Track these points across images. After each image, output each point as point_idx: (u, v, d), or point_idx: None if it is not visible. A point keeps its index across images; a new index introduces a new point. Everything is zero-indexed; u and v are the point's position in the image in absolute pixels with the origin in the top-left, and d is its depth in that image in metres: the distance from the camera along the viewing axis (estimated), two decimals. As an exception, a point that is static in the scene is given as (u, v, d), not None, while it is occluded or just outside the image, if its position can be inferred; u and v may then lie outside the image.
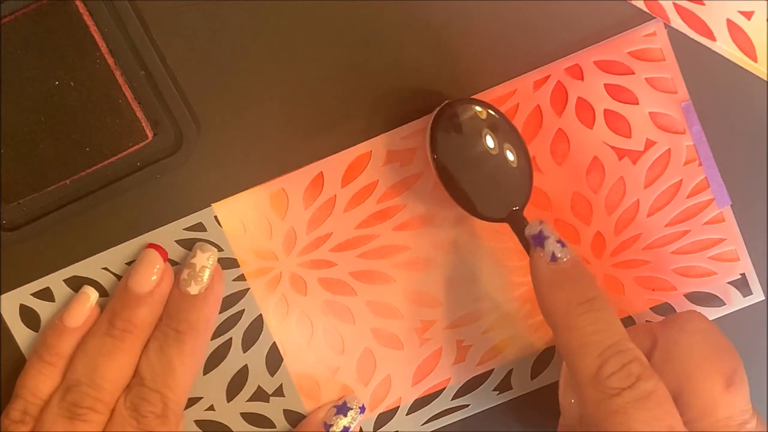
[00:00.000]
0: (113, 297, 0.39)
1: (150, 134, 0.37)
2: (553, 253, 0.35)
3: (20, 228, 0.38)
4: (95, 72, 0.36)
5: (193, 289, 0.39)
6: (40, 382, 0.38)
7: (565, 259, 0.35)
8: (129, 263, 0.40)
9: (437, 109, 0.37)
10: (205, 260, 0.39)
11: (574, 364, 0.34)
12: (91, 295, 0.40)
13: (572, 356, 0.34)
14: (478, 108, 0.37)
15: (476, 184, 0.37)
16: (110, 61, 0.36)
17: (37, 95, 0.36)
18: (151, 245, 0.39)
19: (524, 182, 0.37)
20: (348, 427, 0.41)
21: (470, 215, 0.38)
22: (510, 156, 0.37)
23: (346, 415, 0.41)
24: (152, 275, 0.39)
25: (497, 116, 0.37)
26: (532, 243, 0.36)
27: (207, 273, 0.39)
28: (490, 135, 0.36)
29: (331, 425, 0.41)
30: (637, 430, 0.31)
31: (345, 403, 0.41)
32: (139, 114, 0.37)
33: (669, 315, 0.38)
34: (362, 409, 0.41)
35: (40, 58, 0.36)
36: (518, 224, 0.37)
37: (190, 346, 0.38)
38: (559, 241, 0.35)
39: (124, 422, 0.37)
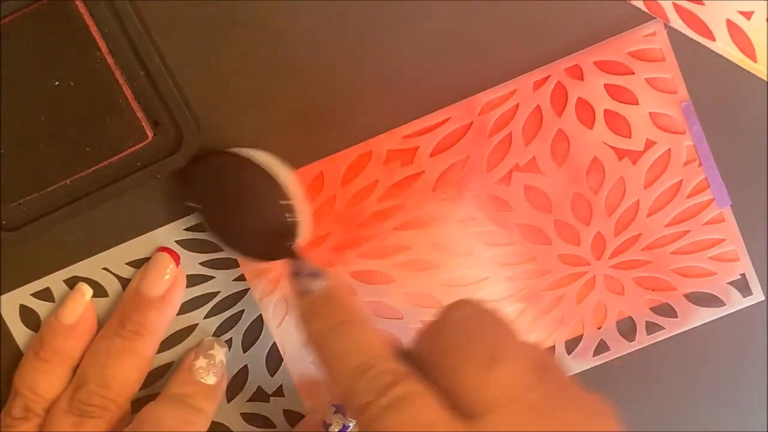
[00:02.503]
0: (122, 299, 0.39)
1: (150, 134, 0.37)
2: (303, 287, 0.35)
3: (20, 228, 0.38)
4: (95, 72, 0.36)
5: (211, 380, 0.40)
6: (37, 380, 0.39)
7: (313, 291, 0.34)
8: (129, 263, 0.40)
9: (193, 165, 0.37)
10: (223, 355, 0.40)
11: (333, 391, 0.33)
12: (86, 292, 0.40)
13: (330, 383, 0.33)
14: (226, 158, 0.37)
15: (245, 229, 0.38)
16: (110, 61, 0.36)
17: (37, 95, 0.36)
18: (163, 249, 0.39)
19: (291, 220, 0.37)
20: (347, 426, 0.41)
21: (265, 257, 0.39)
22: (272, 196, 0.37)
23: (345, 414, 0.41)
24: (164, 279, 0.39)
25: (249, 162, 0.37)
26: (291, 281, 0.36)
27: (223, 367, 0.40)
28: (245, 180, 0.37)
29: (330, 424, 0.41)
30: (393, 431, 0.30)
31: (344, 402, 0.41)
32: (139, 114, 0.37)
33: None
34: (361, 408, 0.41)
35: (40, 58, 0.36)
36: (291, 263, 0.36)
37: (199, 428, 0.39)
38: (310, 274, 0.35)
39: None
